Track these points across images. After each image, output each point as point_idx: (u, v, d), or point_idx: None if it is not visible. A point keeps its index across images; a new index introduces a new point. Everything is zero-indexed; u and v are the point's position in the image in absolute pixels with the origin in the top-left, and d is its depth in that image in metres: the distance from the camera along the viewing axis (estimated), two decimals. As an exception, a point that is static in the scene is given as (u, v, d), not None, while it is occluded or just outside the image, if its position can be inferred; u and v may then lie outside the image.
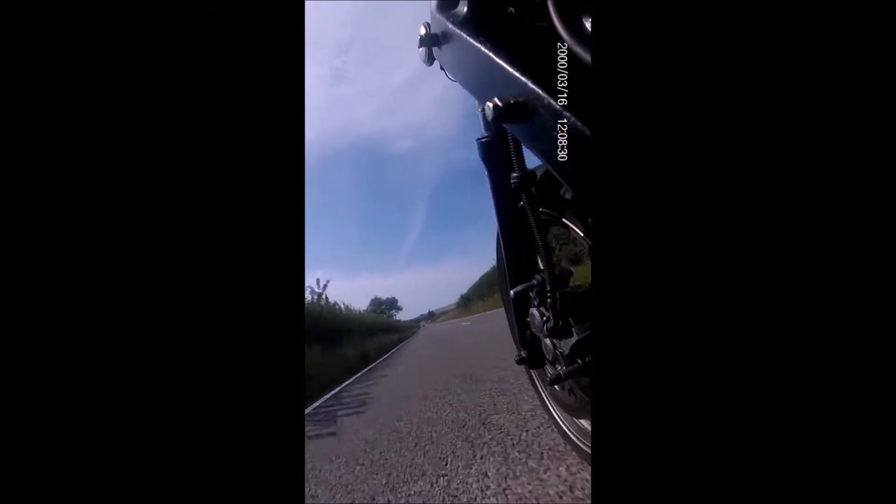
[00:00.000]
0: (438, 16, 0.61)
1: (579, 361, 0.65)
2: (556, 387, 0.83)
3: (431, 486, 1.04)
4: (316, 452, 1.66)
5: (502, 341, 2.45)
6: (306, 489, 1.24)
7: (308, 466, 1.45)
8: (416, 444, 1.42)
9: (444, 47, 0.62)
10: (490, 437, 1.27)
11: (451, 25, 0.57)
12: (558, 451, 1.00)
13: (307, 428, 2.12)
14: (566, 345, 0.66)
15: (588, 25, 0.41)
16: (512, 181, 0.66)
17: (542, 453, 1.03)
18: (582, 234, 0.64)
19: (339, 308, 9.84)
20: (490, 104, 0.44)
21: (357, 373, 4.81)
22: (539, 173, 0.67)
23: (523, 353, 0.82)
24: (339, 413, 2.48)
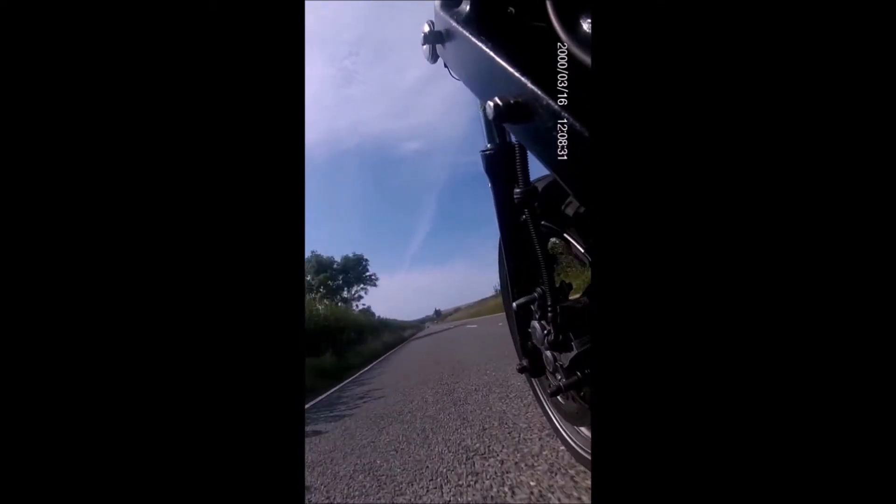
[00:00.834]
0: (442, 13, 0.60)
1: (579, 374, 0.66)
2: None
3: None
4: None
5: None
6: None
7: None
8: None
9: (448, 45, 0.62)
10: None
11: (453, 23, 0.56)
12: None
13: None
14: (566, 358, 0.67)
15: (587, 26, 0.41)
16: (515, 196, 0.67)
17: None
18: (583, 251, 0.65)
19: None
20: (490, 103, 0.44)
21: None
22: (541, 186, 0.68)
23: (525, 363, 0.84)
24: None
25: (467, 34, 0.52)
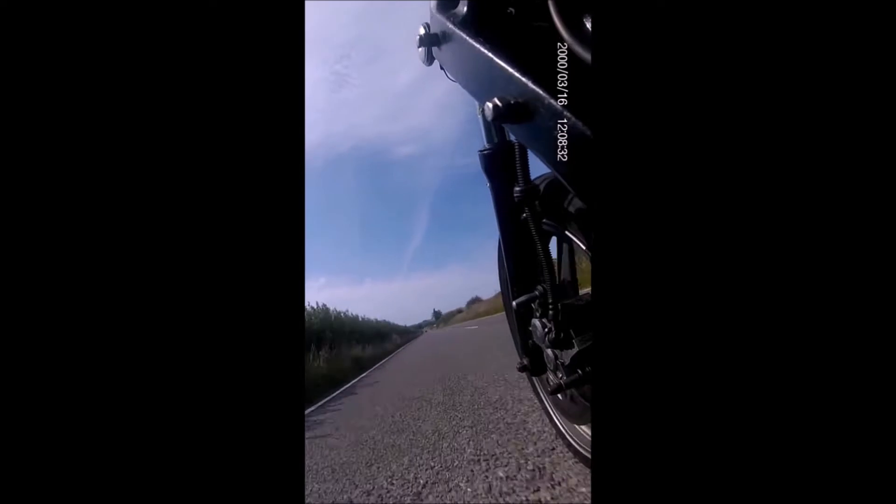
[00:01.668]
0: (438, 16, 0.60)
1: (580, 372, 0.66)
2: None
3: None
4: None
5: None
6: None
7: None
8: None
9: (444, 47, 0.62)
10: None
11: (450, 25, 0.57)
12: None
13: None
14: (567, 355, 0.67)
15: (588, 25, 0.41)
16: (515, 195, 0.66)
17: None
18: (584, 248, 0.65)
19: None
20: (490, 104, 0.44)
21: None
22: (541, 185, 0.68)
23: (525, 361, 0.84)
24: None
25: (465, 36, 0.53)
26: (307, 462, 1.47)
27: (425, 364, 4.37)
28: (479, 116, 0.71)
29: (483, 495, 0.87)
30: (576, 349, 0.65)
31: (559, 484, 0.83)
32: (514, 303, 0.77)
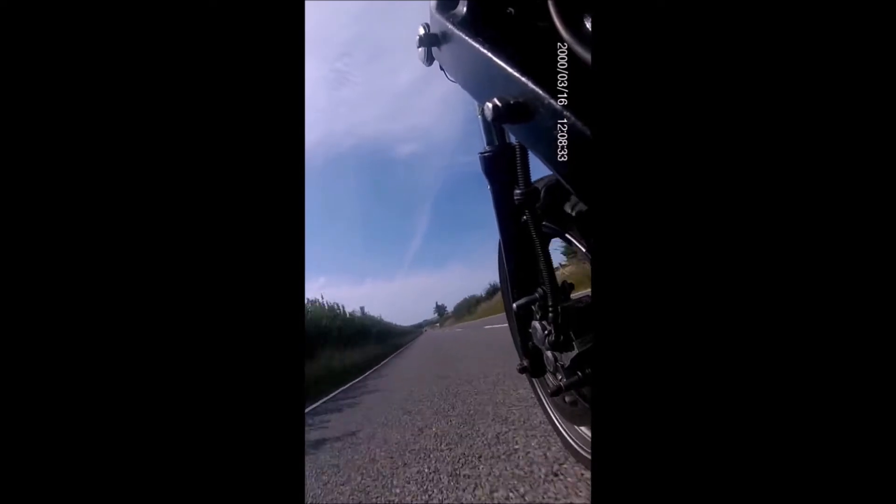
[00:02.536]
0: (437, 16, 0.60)
1: (579, 374, 0.66)
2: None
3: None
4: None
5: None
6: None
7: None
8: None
9: (444, 47, 0.61)
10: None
11: (450, 25, 0.56)
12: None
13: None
14: (567, 358, 0.67)
15: (588, 25, 0.40)
16: (515, 197, 0.66)
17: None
18: (584, 250, 0.64)
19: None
20: (489, 104, 0.44)
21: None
22: (542, 187, 0.68)
23: (525, 363, 0.84)
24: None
25: (465, 36, 0.52)
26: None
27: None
28: (479, 117, 0.71)
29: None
30: (576, 351, 0.65)
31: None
32: (514, 305, 0.77)
